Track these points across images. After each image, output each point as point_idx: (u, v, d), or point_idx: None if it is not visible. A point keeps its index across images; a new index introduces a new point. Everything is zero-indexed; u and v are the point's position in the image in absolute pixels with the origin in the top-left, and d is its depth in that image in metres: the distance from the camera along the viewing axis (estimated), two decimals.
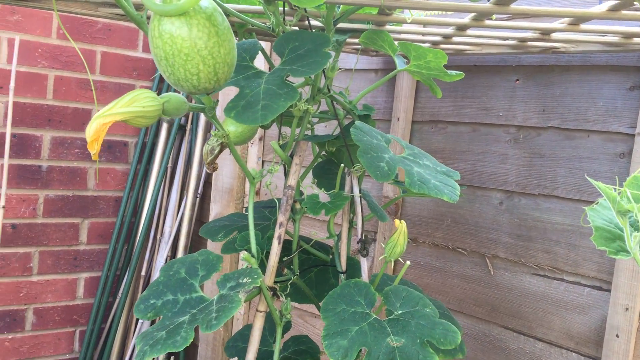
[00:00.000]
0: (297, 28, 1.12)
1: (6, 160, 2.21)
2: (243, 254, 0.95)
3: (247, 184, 2.22)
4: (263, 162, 2.18)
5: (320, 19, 0.96)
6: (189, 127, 2.46)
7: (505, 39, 1.30)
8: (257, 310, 0.98)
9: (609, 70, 1.33)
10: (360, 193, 1.06)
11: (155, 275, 2.42)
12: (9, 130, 2.22)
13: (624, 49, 1.24)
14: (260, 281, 0.90)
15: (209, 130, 2.47)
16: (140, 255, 2.41)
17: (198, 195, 2.43)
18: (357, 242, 1.07)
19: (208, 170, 1.16)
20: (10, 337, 2.38)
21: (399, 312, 0.94)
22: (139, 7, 0.90)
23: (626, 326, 1.26)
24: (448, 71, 1.06)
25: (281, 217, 1.00)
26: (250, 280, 0.90)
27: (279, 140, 1.04)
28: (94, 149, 0.77)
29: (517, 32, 1.27)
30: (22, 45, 2.27)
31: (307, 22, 1.00)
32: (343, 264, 1.08)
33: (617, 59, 1.31)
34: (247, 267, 0.96)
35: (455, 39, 1.31)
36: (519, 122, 1.48)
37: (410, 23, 0.98)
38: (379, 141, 0.93)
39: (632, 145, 1.28)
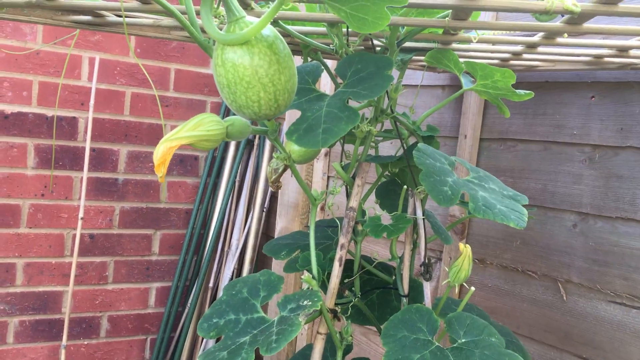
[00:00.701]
0: (362, 48, 1.12)
1: (85, 173, 2.33)
2: (304, 275, 0.95)
3: None
4: (328, 177, 2.18)
5: (384, 40, 0.95)
6: (256, 142, 2.51)
7: (579, 55, 1.25)
8: (317, 333, 0.98)
9: None
10: (423, 215, 1.04)
11: (223, 287, 2.46)
12: (88, 145, 2.33)
13: None
14: (320, 304, 0.89)
15: None
16: (208, 267, 2.47)
17: (264, 210, 2.47)
18: (420, 265, 1.05)
19: (272, 189, 1.17)
20: (85, 343, 2.48)
21: (463, 340, 0.91)
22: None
23: None
24: (517, 90, 1.03)
25: (342, 239, 1.00)
26: (310, 303, 0.90)
27: (341, 159, 1.04)
28: (160, 172, 0.79)
29: (592, 49, 1.22)
30: (101, 63, 2.38)
31: (370, 42, 1.00)
32: (405, 288, 1.06)
33: None
34: (308, 288, 0.96)
35: (525, 55, 1.27)
36: (595, 141, 1.41)
37: (477, 42, 0.96)
38: (442, 164, 0.91)
39: None
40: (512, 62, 1.38)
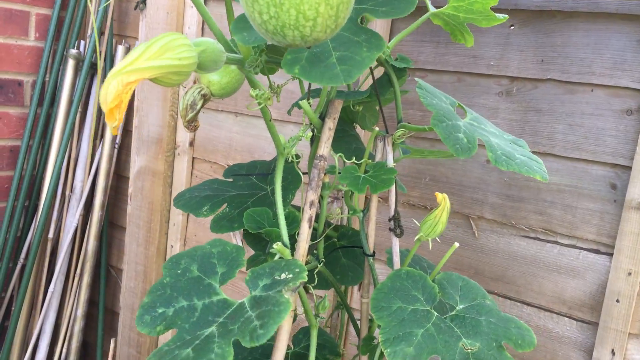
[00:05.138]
0: None
1: None
2: (276, 245, 0.75)
3: (179, 134, 1.95)
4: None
5: None
6: (101, 64, 2.10)
7: None
8: None
9: (619, 19, 1.23)
10: (395, 162, 0.89)
11: (67, 238, 2.10)
12: None
13: None
14: (306, 275, 0.71)
15: None
16: (48, 214, 2.08)
17: (116, 146, 2.12)
18: (389, 220, 0.91)
19: (189, 130, 0.92)
20: None
21: (461, 307, 0.80)
22: None
23: (628, 291, 1.23)
24: (497, 14, 0.90)
25: (312, 195, 0.81)
26: (291, 275, 0.71)
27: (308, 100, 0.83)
28: (114, 120, 0.53)
29: None
30: None
31: None
32: (371, 245, 0.91)
33: (629, 7, 1.22)
34: (279, 258, 0.77)
35: None
36: (513, 73, 1.36)
37: None
38: (446, 104, 0.76)
39: None
40: None
